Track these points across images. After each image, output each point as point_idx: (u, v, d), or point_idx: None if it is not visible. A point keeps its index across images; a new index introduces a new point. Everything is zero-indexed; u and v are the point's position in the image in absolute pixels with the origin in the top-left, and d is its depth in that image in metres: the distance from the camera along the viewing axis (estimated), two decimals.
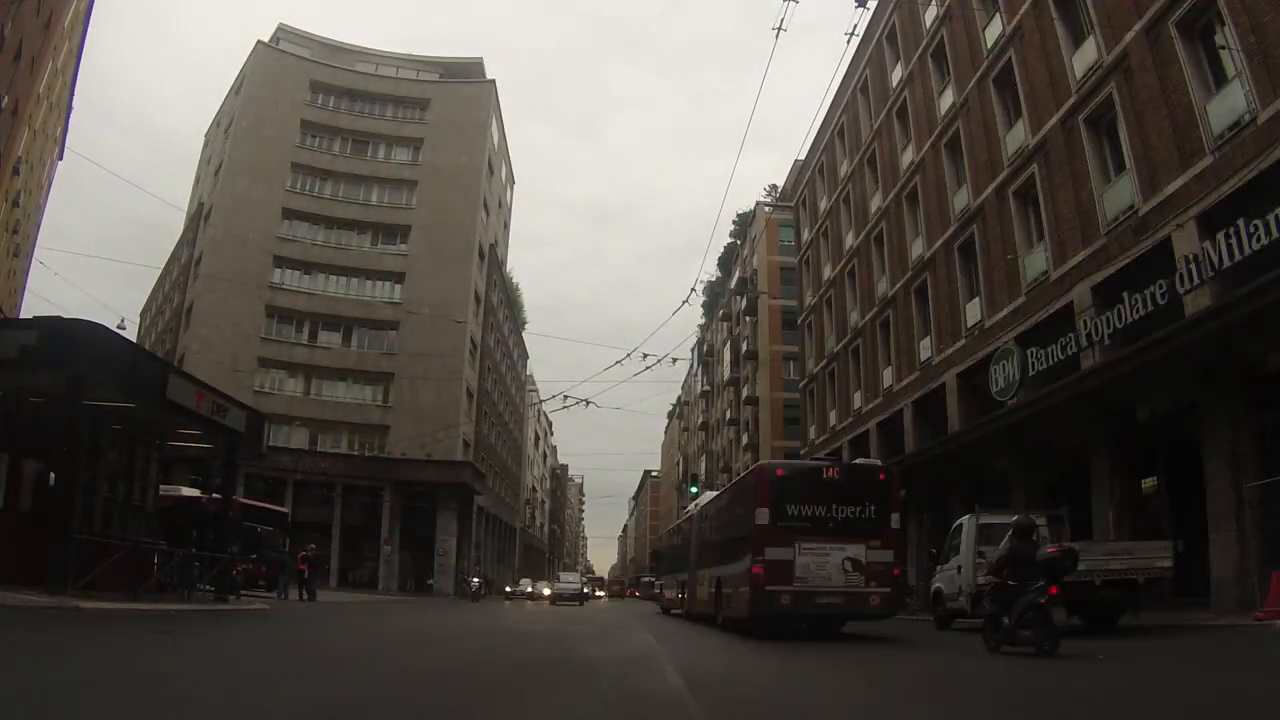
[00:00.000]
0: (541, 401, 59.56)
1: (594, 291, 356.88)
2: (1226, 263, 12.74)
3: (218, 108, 53.07)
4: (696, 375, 76.35)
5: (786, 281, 48.73)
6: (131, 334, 43.04)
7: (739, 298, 56.88)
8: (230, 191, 44.82)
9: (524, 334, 71.25)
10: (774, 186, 57.82)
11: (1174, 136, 14.88)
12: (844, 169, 34.49)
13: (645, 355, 53.10)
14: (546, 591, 42.95)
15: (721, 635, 13.86)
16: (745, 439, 53.85)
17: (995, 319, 21.28)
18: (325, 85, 48.84)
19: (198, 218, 47.79)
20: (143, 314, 59.97)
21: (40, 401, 13.84)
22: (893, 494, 13.23)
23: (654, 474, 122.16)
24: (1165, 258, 14.61)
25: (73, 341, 12.58)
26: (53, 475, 13.05)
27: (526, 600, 42.32)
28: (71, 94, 39.32)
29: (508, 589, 50.53)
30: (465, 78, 53.14)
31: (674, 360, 27.30)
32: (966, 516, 15.60)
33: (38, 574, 11.79)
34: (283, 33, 51.42)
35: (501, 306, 59.50)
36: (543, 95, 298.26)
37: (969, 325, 22.80)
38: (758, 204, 56.89)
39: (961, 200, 23.60)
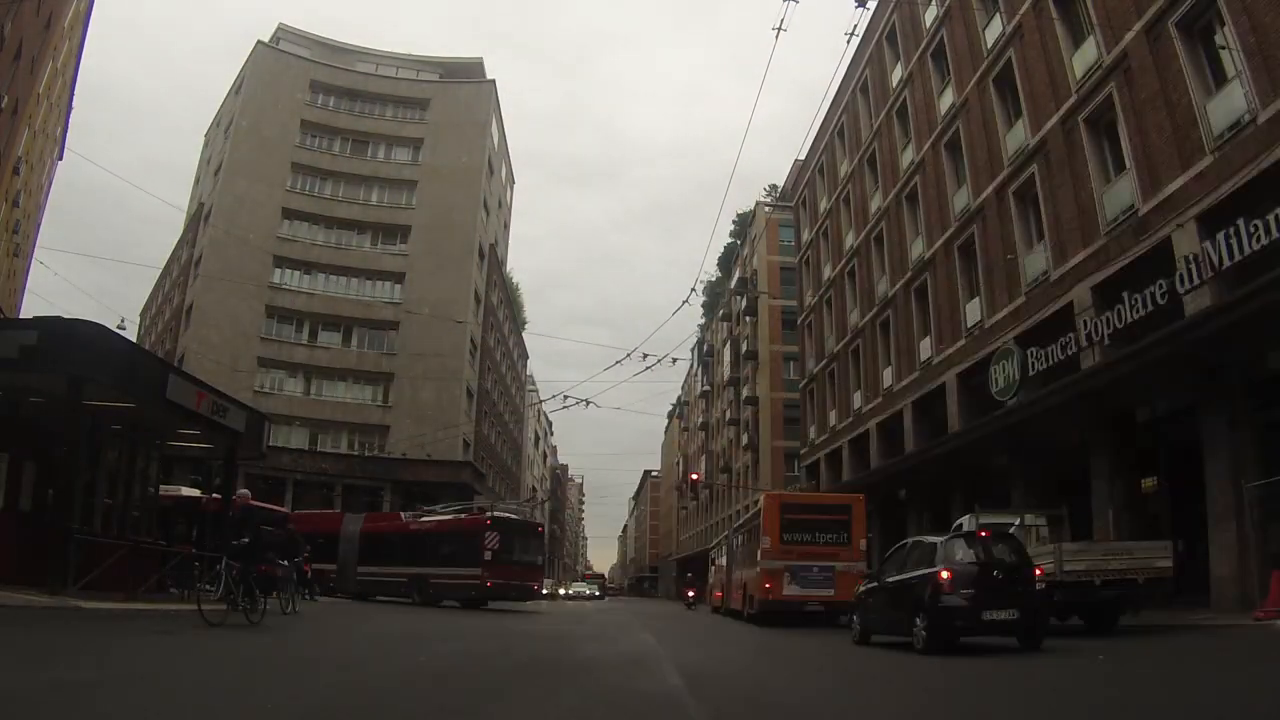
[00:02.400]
0: (541, 401, 59.61)
1: (576, 264, 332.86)
2: (1226, 263, 12.75)
3: (218, 108, 53.10)
4: (696, 375, 76.33)
5: (786, 281, 48.75)
6: (131, 334, 43.08)
7: (739, 298, 56.88)
8: (230, 191, 44.84)
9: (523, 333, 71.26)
10: (774, 186, 57.85)
11: (1174, 136, 14.88)
12: (844, 169, 34.49)
13: (645, 355, 53.17)
14: (561, 592, 56.12)
15: (722, 635, 13.89)
16: (745, 439, 53.85)
17: (995, 319, 21.28)
18: (325, 85, 48.86)
19: (198, 218, 47.80)
20: (143, 314, 59.99)
21: (40, 401, 13.84)
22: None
23: (654, 474, 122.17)
24: (1165, 258, 14.61)
25: (73, 341, 12.57)
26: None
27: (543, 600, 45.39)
28: (71, 94, 39.30)
29: None
30: (465, 78, 53.16)
31: (674, 360, 27.39)
32: (966, 516, 15.60)
33: (38, 574, 11.80)
34: (283, 33, 51.44)
35: (501, 306, 59.50)
36: (515, 25, 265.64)
37: (969, 325, 22.81)
38: (758, 204, 56.92)
39: (961, 200, 23.60)
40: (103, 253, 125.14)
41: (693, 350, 71.63)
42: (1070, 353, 17.13)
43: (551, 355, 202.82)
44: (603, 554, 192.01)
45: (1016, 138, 20.69)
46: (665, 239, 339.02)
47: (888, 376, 28.63)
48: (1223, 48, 13.97)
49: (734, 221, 61.22)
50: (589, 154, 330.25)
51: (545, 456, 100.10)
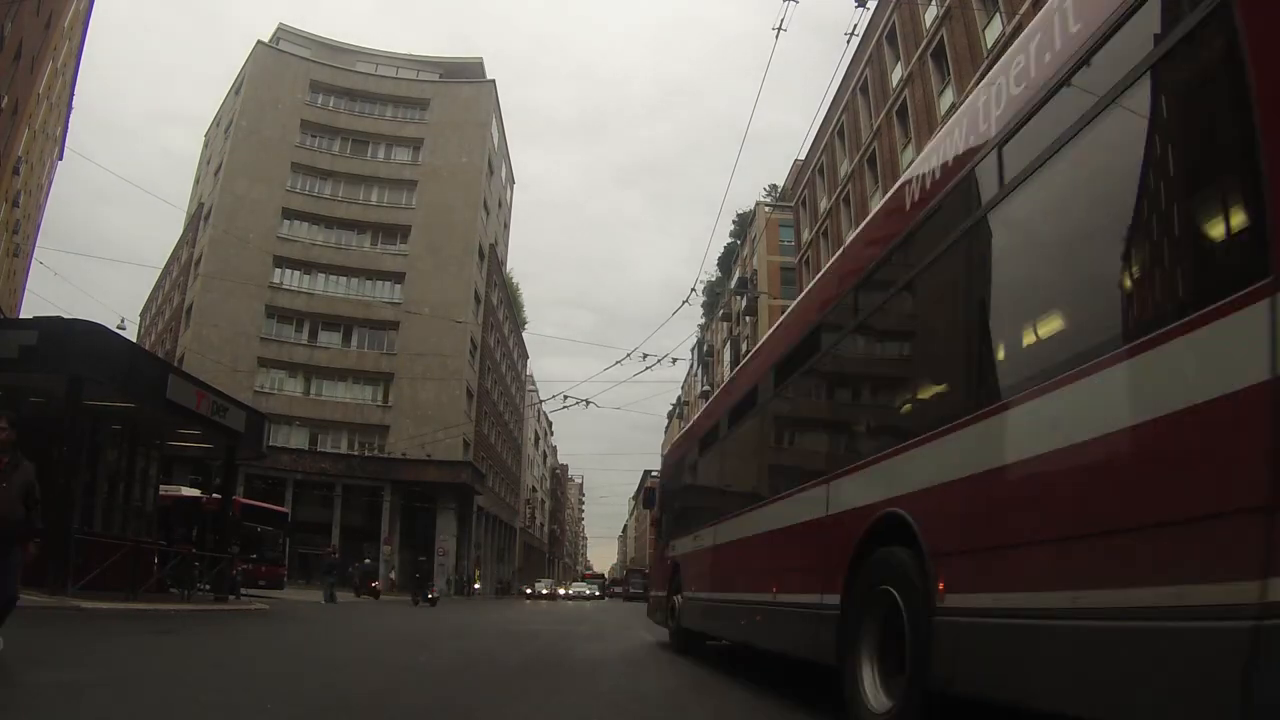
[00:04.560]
0: (542, 401, 59.60)
1: (555, 236, 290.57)
2: None
3: (218, 107, 53.12)
4: (696, 375, 76.33)
5: (786, 281, 48.76)
6: (131, 334, 43.07)
7: (739, 298, 56.90)
8: (230, 191, 44.85)
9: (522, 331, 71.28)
10: (774, 186, 57.91)
11: None
12: (844, 169, 34.50)
13: (645, 355, 53.18)
14: (561, 592, 58.62)
15: None
16: None
17: None
18: (325, 85, 48.86)
19: (198, 218, 47.81)
20: (143, 314, 59.98)
21: (40, 401, 13.84)
22: None
23: (654, 474, 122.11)
24: None
25: (73, 341, 12.60)
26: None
27: (542, 599, 45.35)
28: (71, 94, 39.31)
29: (526, 590, 55.78)
30: (465, 78, 53.18)
31: (674, 360, 27.40)
32: None
33: (38, 574, 11.79)
34: (283, 33, 51.44)
35: (501, 306, 59.51)
36: None
37: None
38: (758, 204, 56.97)
39: None
40: (102, 252, 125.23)
41: (693, 350, 71.61)
42: None
43: (533, 342, 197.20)
44: (603, 554, 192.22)
45: None
46: (654, 206, 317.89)
47: None
48: None
49: (734, 222, 61.29)
50: (566, 108, 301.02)
51: (545, 456, 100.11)
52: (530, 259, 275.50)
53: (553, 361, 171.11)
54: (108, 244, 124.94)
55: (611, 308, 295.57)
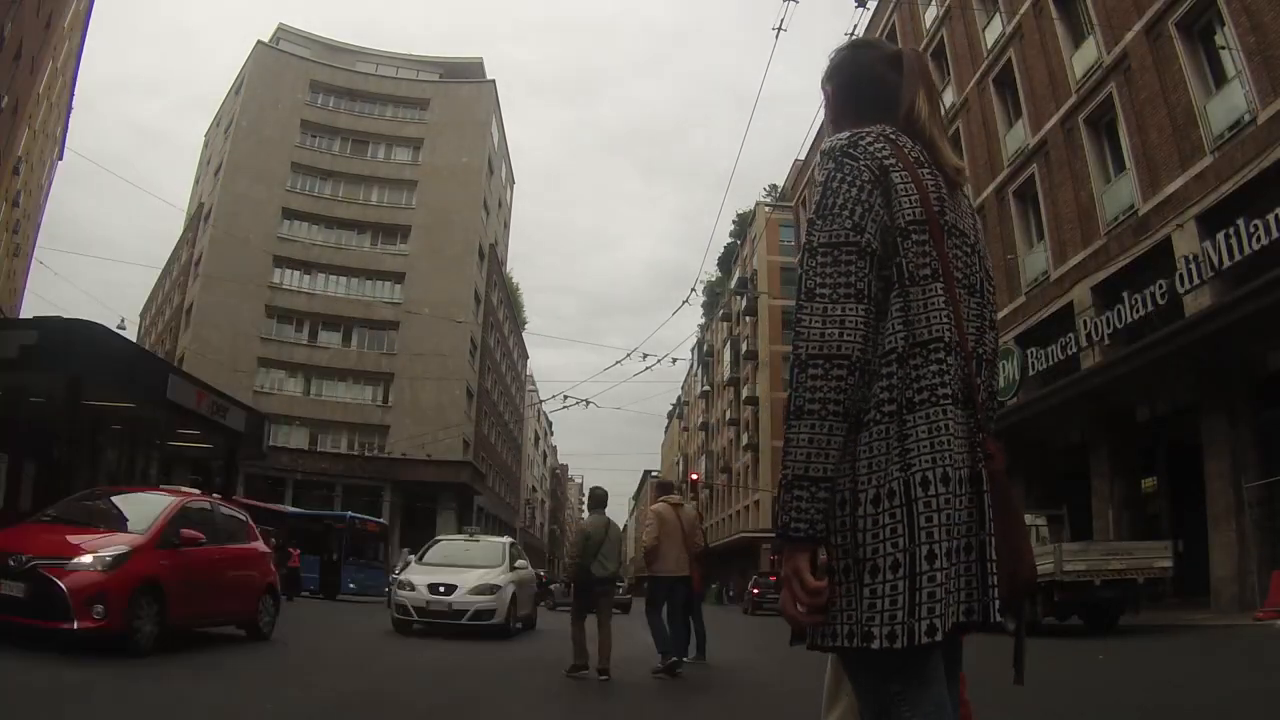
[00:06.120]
0: (542, 401, 59.65)
1: (529, 212, 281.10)
2: (1226, 263, 12.75)
3: (218, 108, 53.12)
4: (696, 375, 76.35)
5: (786, 281, 48.75)
6: (131, 334, 43.04)
7: (739, 298, 56.90)
8: (230, 191, 44.82)
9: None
10: (774, 186, 57.90)
11: (1174, 136, 14.88)
12: None
13: (645, 355, 53.26)
14: None
15: (720, 636, 13.87)
16: (745, 439, 53.86)
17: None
18: (325, 85, 48.85)
19: (198, 218, 47.80)
20: (143, 314, 59.93)
21: (40, 401, 13.84)
22: None
23: (654, 474, 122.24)
24: (1165, 258, 14.61)
25: (73, 341, 12.58)
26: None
27: None
28: (71, 94, 39.29)
29: None
30: (465, 77, 53.18)
31: (674, 360, 27.41)
32: None
33: None
34: (283, 33, 51.43)
35: (501, 306, 59.51)
36: None
37: None
38: (758, 204, 57.00)
39: None
40: (102, 251, 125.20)
41: (692, 350, 71.63)
42: (1070, 353, 17.13)
43: (526, 336, 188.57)
44: None
45: (1016, 138, 20.68)
46: (642, 176, 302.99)
47: None
48: (1223, 48, 13.98)
49: (734, 221, 61.31)
50: (546, 65, 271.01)
51: (545, 456, 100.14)
52: (511, 240, 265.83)
53: (542, 354, 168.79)
54: (78, 229, 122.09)
55: (599, 294, 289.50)
